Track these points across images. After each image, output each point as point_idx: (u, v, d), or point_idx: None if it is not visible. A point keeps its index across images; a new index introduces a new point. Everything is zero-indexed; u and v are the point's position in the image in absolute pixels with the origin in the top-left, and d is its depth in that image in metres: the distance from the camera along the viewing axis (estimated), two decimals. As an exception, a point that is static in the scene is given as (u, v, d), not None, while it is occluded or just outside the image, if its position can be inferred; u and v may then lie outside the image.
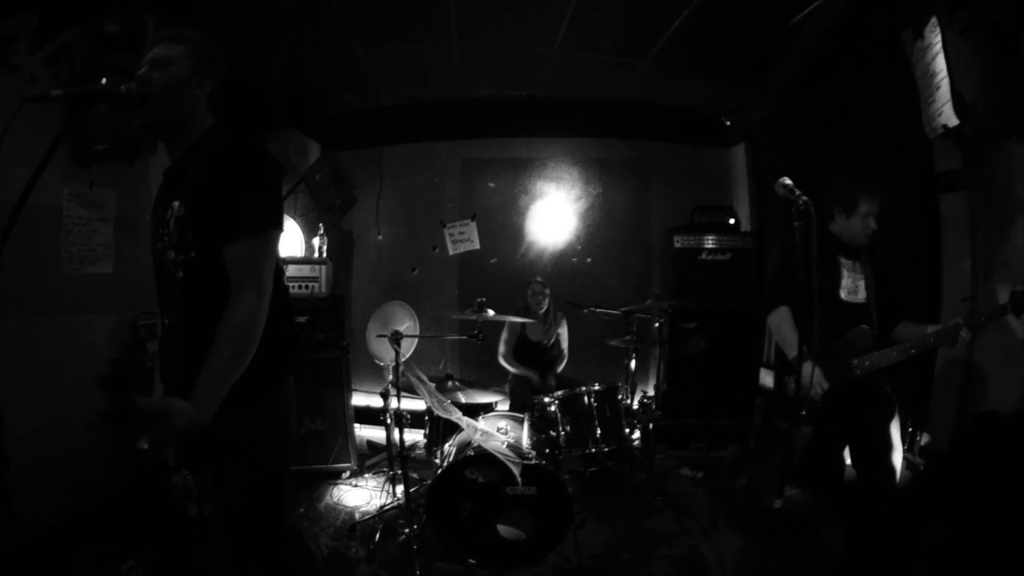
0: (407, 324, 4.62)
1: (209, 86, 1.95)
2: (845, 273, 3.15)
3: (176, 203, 1.79)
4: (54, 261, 3.43)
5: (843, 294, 3.12)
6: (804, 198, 2.40)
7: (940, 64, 3.14)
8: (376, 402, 5.21)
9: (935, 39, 3.17)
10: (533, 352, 5.06)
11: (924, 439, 3.81)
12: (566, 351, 5.19)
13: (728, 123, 6.09)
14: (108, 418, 1.57)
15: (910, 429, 3.77)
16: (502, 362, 5.07)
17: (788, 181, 2.45)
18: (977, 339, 3.29)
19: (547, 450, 3.54)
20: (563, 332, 5.16)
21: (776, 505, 2.49)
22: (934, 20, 3.17)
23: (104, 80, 3.23)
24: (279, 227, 1.86)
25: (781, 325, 3.15)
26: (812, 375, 2.70)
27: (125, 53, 3.26)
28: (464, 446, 3.40)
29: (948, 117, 3.12)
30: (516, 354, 5.10)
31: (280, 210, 1.87)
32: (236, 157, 1.81)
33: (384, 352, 4.50)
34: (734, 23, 4.17)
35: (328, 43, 4.65)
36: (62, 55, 3.26)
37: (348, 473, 4.62)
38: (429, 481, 3.37)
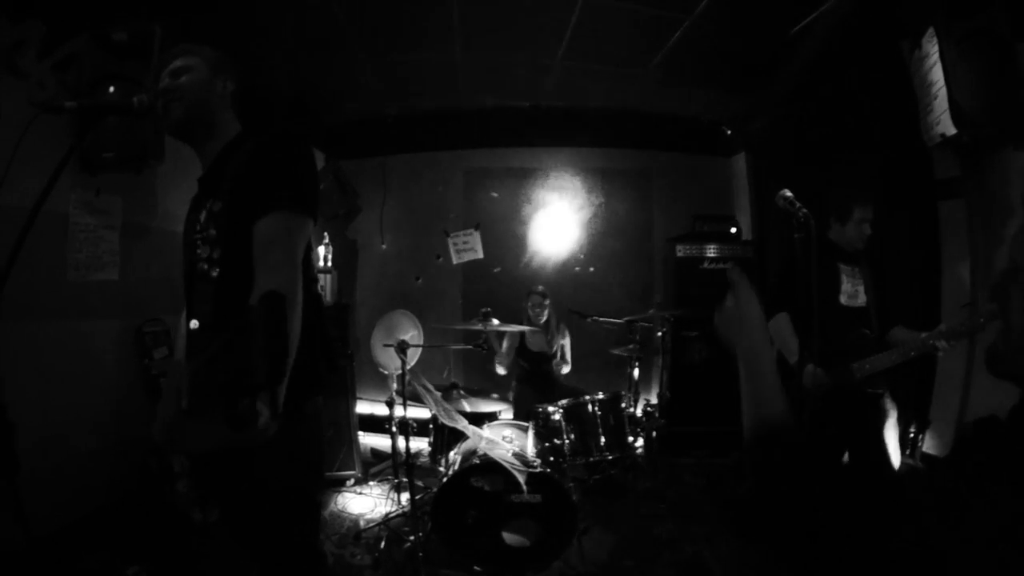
0: (411, 333, 4.65)
1: (232, 86, 1.96)
2: (844, 279, 3.20)
3: (211, 201, 1.78)
4: (60, 267, 3.46)
5: (843, 299, 3.17)
6: (804, 210, 2.44)
7: (937, 73, 3.19)
8: (380, 410, 5.24)
9: (932, 49, 3.21)
10: (535, 362, 5.07)
11: (925, 443, 3.83)
12: (570, 359, 5.19)
13: (729, 132, 6.13)
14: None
15: (911, 433, 3.79)
16: (498, 367, 5.05)
17: (788, 194, 2.50)
18: (978, 343, 3.33)
19: (552, 458, 3.56)
20: (566, 343, 5.16)
21: (777, 510, 2.51)
22: (931, 30, 3.22)
23: (112, 88, 3.27)
24: (313, 215, 1.75)
25: (781, 331, 3.20)
26: (814, 376, 2.74)
27: (132, 61, 3.30)
28: (470, 454, 3.42)
29: (946, 126, 3.16)
30: (518, 362, 5.10)
31: (311, 196, 1.78)
32: (278, 146, 1.77)
33: (389, 361, 4.54)
34: (734, 33, 4.20)
35: (332, 53, 4.69)
36: (70, 62, 3.29)
37: (352, 480, 4.64)
38: (435, 489, 3.39)
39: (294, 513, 1.84)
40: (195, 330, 1.78)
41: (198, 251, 1.78)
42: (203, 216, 1.79)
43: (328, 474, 4.57)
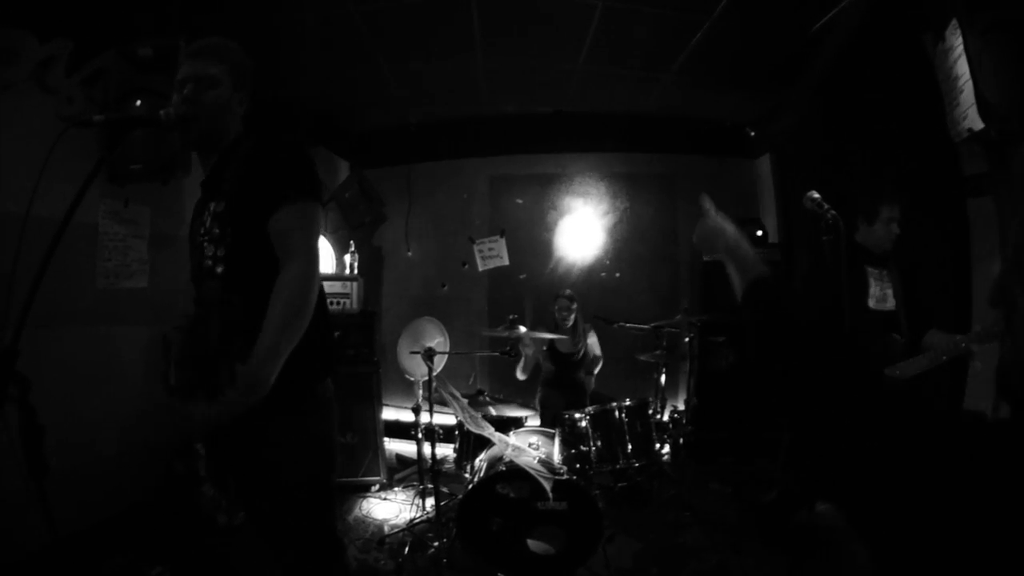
0: (438, 340, 4.66)
1: (247, 103, 2.03)
2: (872, 282, 3.14)
3: (213, 203, 1.86)
4: (90, 275, 3.55)
5: (871, 303, 3.10)
6: (832, 212, 2.40)
7: (963, 67, 3.09)
8: (405, 416, 5.26)
9: (956, 42, 3.13)
10: (564, 363, 5.05)
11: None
12: (600, 356, 5.16)
13: (752, 134, 6.07)
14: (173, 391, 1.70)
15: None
16: (518, 373, 5.03)
17: (816, 195, 2.45)
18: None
19: (578, 465, 3.54)
20: (592, 341, 5.13)
21: (807, 520, 2.47)
22: (954, 22, 3.13)
23: (139, 102, 3.36)
24: (320, 200, 1.88)
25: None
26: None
27: (158, 75, 3.36)
28: (495, 461, 3.41)
29: (973, 120, 3.07)
30: (547, 364, 5.09)
31: (317, 185, 1.90)
32: (275, 148, 1.87)
33: (415, 367, 4.55)
34: (755, 33, 4.18)
35: (355, 62, 4.75)
36: (97, 78, 3.39)
37: (378, 486, 4.65)
38: (460, 495, 3.38)
39: (311, 498, 1.91)
40: (203, 322, 1.85)
41: (204, 251, 1.86)
42: (207, 218, 1.88)
43: (353, 480, 4.59)
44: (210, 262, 1.83)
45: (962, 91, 3.12)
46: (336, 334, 4.51)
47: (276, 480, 1.86)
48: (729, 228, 1.36)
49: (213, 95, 1.90)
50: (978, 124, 3.04)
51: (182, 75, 1.91)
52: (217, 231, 1.82)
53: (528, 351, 4.85)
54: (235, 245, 1.81)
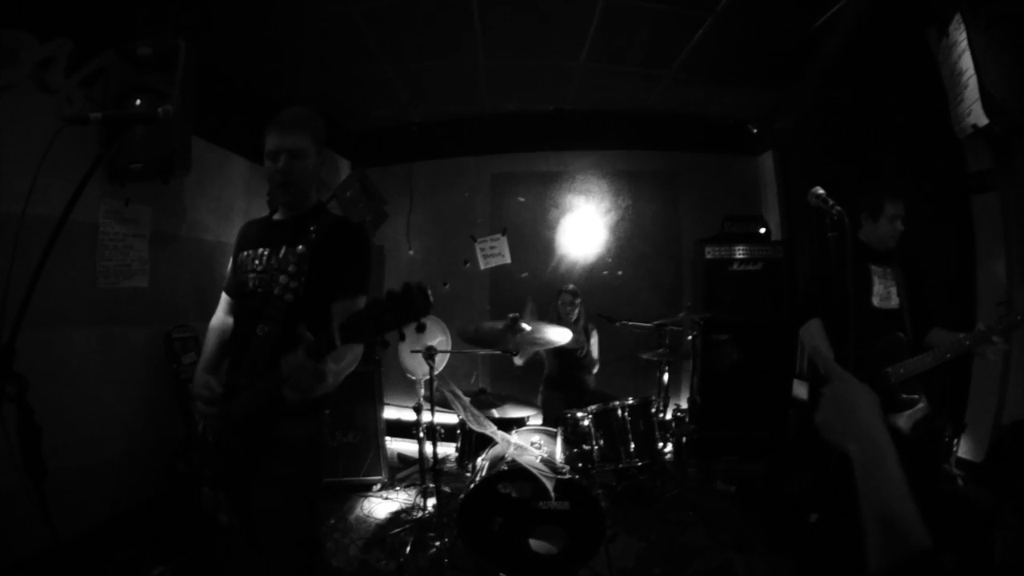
0: (439, 339, 4.65)
1: (323, 162, 2.37)
2: (876, 280, 3.11)
3: (300, 246, 2.20)
4: (90, 275, 3.54)
5: (875, 301, 3.07)
6: (838, 208, 2.36)
7: (967, 62, 3.06)
8: (407, 416, 5.25)
9: (960, 36, 3.09)
10: (568, 361, 5.03)
11: (960, 448, 3.71)
12: (597, 358, 5.14)
13: (755, 131, 6.05)
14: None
15: (946, 438, 3.67)
16: (516, 359, 4.99)
17: (821, 191, 2.42)
18: (1014, 343, 3.22)
19: (580, 464, 3.52)
20: (594, 341, 5.12)
21: (812, 520, 2.45)
22: (958, 17, 3.10)
23: (138, 101, 3.34)
24: (367, 293, 2.22)
25: (813, 337, 3.11)
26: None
27: (157, 74, 3.36)
28: (497, 460, 3.40)
29: (978, 116, 3.03)
30: (551, 361, 5.08)
31: (369, 280, 2.30)
32: (353, 236, 2.31)
33: (416, 366, 4.54)
34: (757, 29, 4.15)
35: (356, 61, 4.72)
36: (97, 77, 3.38)
37: (379, 485, 4.64)
38: (462, 495, 3.37)
39: (303, 487, 2.22)
40: (264, 332, 2.16)
41: (276, 276, 2.20)
42: (286, 252, 2.23)
43: (355, 479, 4.60)
44: (278, 289, 2.17)
45: (966, 86, 3.09)
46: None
47: (276, 469, 2.15)
48: (868, 410, 0.93)
49: (302, 165, 2.25)
50: (983, 120, 3.00)
51: (273, 146, 2.23)
52: (295, 269, 2.17)
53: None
54: (306, 289, 2.17)
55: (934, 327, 3.06)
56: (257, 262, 2.28)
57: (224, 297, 2.53)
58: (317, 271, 2.19)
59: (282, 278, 2.18)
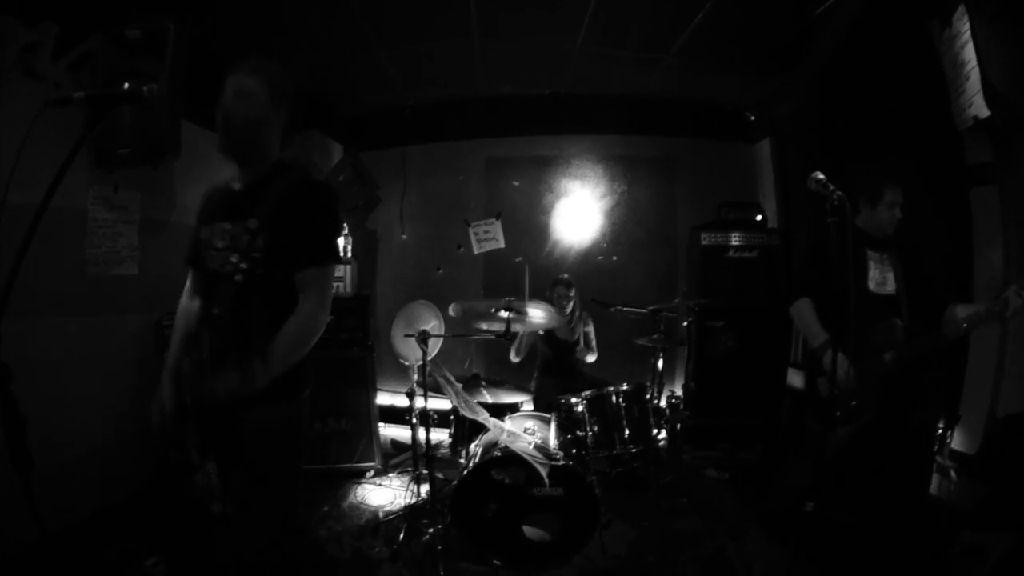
0: (432, 324, 4.62)
1: (285, 117, 2.18)
2: (872, 265, 3.13)
3: (252, 219, 2.01)
4: (79, 263, 3.49)
5: (871, 285, 3.10)
6: (839, 193, 2.34)
7: (969, 53, 3.05)
8: (400, 401, 5.22)
9: (963, 28, 3.08)
10: (559, 350, 5.01)
11: (953, 440, 3.71)
12: (595, 346, 5.12)
13: (753, 118, 6.01)
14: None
15: (940, 430, 3.67)
16: (512, 356, 5.01)
17: (821, 176, 2.39)
18: (1011, 335, 3.21)
19: (574, 451, 3.51)
20: (590, 330, 5.10)
21: (808, 509, 2.44)
22: (962, 8, 3.09)
23: (126, 85, 3.27)
24: (339, 259, 2.11)
25: (803, 316, 3.21)
26: (837, 363, 2.61)
27: (146, 58, 3.30)
28: (491, 446, 3.39)
29: (979, 108, 3.03)
30: (543, 348, 5.06)
31: (339, 245, 2.17)
32: (315, 198, 2.10)
33: (410, 352, 4.51)
34: (757, 15, 4.10)
35: (349, 44, 4.66)
36: (84, 62, 3.31)
37: (372, 472, 4.63)
38: (455, 481, 3.36)
39: (281, 475, 2.14)
40: (215, 314, 2.06)
41: (227, 255, 2.04)
42: (237, 227, 2.05)
43: (348, 465, 4.58)
44: (229, 268, 2.01)
45: (968, 78, 3.08)
46: (329, 318, 4.47)
47: (254, 458, 2.08)
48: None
49: (247, 106, 2.05)
50: (984, 112, 3.00)
51: (223, 91, 2.07)
52: (246, 246, 2.00)
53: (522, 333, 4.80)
54: (261, 263, 2.00)
55: (947, 308, 3.03)
56: (219, 241, 2.11)
57: (191, 273, 2.36)
58: (274, 243, 2.01)
59: (233, 257, 2.03)
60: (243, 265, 2.00)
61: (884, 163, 4.23)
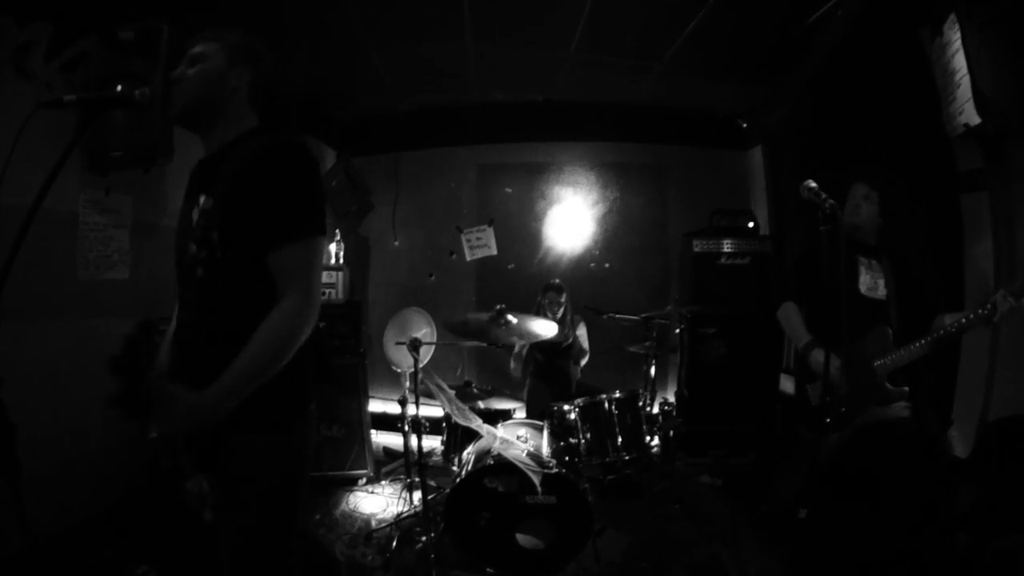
0: (424, 331, 4.61)
1: (248, 77, 1.86)
2: (863, 270, 3.16)
3: (203, 197, 1.72)
4: (70, 267, 3.46)
5: (862, 289, 3.10)
6: (831, 201, 2.35)
7: (960, 61, 3.07)
8: (392, 408, 5.20)
9: (954, 36, 3.10)
10: (550, 354, 5.00)
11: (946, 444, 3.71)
12: (587, 350, 5.11)
13: (745, 125, 6.03)
14: (116, 403, 1.60)
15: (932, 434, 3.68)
16: (512, 369, 4.99)
17: (813, 184, 2.41)
18: (1003, 338, 3.22)
19: (567, 458, 3.49)
20: (582, 333, 5.08)
21: (801, 515, 2.44)
22: (952, 17, 3.11)
23: (119, 87, 3.24)
24: (323, 232, 1.74)
25: (789, 318, 3.26)
26: (829, 362, 2.60)
27: (140, 60, 3.28)
28: (483, 454, 3.37)
29: (969, 115, 3.05)
30: (534, 356, 5.04)
31: (324, 215, 1.75)
32: (278, 157, 1.69)
33: (402, 358, 4.50)
34: (749, 24, 4.12)
35: (343, 49, 4.65)
36: (78, 63, 3.30)
37: (364, 480, 4.60)
38: (447, 489, 3.34)
39: (274, 514, 1.76)
40: (182, 319, 1.81)
41: (187, 246, 1.73)
42: (195, 212, 1.75)
43: (340, 473, 4.55)
44: (191, 262, 1.70)
45: (959, 86, 3.11)
46: (321, 324, 4.45)
47: (244, 493, 1.72)
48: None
49: (202, 67, 1.79)
50: (975, 119, 3.02)
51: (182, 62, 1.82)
52: (201, 233, 1.68)
53: (517, 345, 4.80)
54: (220, 254, 1.66)
55: (937, 315, 3.04)
56: (179, 226, 1.84)
57: None
58: (232, 220, 1.65)
59: (191, 246, 1.70)
60: (202, 255, 1.67)
61: (873, 171, 4.26)
